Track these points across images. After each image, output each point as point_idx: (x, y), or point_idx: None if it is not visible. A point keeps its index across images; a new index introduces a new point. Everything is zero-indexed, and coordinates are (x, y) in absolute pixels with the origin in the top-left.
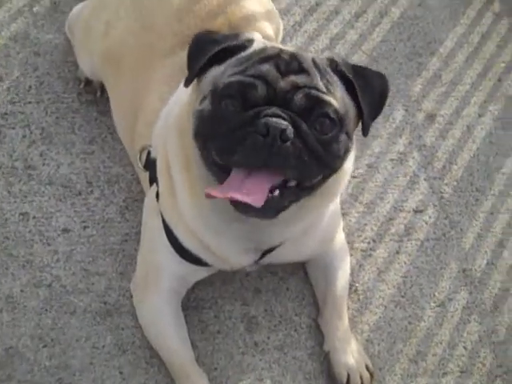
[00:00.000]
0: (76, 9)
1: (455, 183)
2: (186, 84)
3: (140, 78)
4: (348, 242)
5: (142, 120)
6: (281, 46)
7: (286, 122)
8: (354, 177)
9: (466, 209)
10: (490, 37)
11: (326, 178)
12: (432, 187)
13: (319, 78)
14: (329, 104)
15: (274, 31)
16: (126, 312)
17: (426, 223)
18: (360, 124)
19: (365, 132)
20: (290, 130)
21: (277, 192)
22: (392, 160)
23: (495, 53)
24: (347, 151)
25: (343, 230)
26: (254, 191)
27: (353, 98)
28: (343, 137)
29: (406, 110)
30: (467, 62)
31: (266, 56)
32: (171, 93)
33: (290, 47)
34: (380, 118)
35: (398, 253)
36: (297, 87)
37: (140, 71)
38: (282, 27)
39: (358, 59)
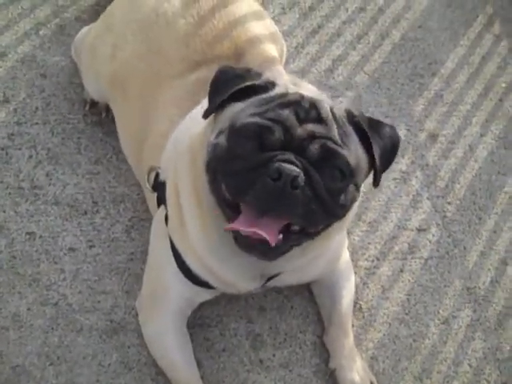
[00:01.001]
0: (82, 32)
1: (458, 202)
2: (205, 116)
3: (147, 101)
4: (352, 261)
5: (151, 142)
6: (302, 93)
7: (298, 169)
8: None
9: (469, 227)
10: (490, 58)
11: (329, 225)
12: (435, 206)
13: (336, 129)
14: (342, 157)
15: (278, 53)
16: (131, 330)
17: (430, 242)
18: (371, 174)
19: (375, 184)
20: (302, 178)
21: (280, 236)
22: (395, 179)
23: (496, 73)
24: (353, 201)
25: (347, 248)
26: (267, 231)
27: (365, 149)
28: (351, 188)
29: (409, 130)
30: (468, 83)
31: (286, 101)
32: (181, 115)
33: (312, 88)
34: None
35: (401, 271)
36: (313, 136)
37: (147, 94)
38: (285, 49)
39: (360, 80)
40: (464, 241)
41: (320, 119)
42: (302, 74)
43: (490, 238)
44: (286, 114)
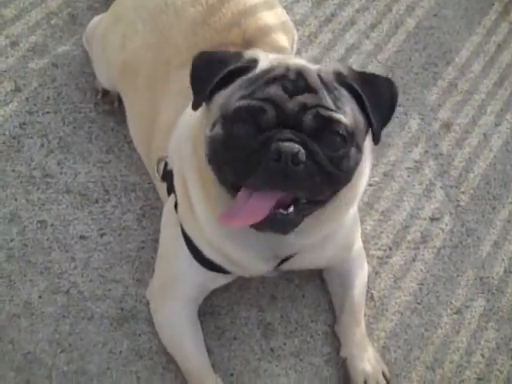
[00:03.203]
0: (94, 21)
1: (472, 191)
2: (194, 107)
3: (156, 91)
4: (364, 249)
5: (159, 132)
6: (287, 61)
7: (297, 146)
8: (369, 185)
9: (482, 217)
10: (506, 46)
11: (336, 191)
12: (448, 195)
13: (327, 95)
14: (338, 122)
15: (289, 42)
16: (142, 318)
17: (443, 231)
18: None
19: (375, 140)
20: (302, 153)
21: (291, 209)
22: (408, 168)
23: (511, 62)
24: (357, 164)
25: None
26: (257, 210)
27: (362, 108)
28: (353, 151)
29: (422, 119)
30: (483, 72)
31: (272, 77)
32: (187, 105)
33: (297, 60)
34: (396, 127)
35: (414, 260)
36: (305, 107)
37: (156, 84)
38: (296, 38)
39: (374, 69)
40: (477, 230)
41: (309, 88)
42: (315, 63)
43: (503, 227)
44: (274, 90)
